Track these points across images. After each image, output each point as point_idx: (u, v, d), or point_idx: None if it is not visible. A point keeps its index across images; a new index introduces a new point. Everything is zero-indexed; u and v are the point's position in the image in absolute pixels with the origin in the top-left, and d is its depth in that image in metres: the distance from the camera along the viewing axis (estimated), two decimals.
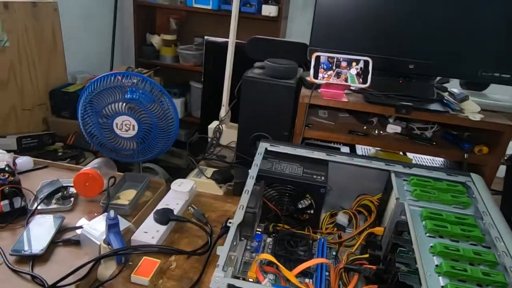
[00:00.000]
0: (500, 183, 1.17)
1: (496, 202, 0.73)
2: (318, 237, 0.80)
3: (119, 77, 0.98)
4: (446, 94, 1.12)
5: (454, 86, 1.19)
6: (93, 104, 0.98)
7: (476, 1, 0.98)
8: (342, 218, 0.84)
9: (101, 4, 2.60)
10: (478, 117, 1.00)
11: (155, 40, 2.84)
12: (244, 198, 0.68)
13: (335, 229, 0.84)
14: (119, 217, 0.81)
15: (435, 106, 1.04)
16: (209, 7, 2.53)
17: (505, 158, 1.05)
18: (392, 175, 0.78)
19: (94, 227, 0.80)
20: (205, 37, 2.34)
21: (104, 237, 0.74)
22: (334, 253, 0.78)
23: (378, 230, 0.75)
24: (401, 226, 0.66)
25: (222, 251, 0.57)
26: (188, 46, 2.81)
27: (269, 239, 0.79)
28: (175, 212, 0.90)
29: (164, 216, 0.86)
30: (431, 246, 0.59)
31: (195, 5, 2.56)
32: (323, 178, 0.78)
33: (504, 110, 1.07)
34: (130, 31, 2.82)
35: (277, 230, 0.80)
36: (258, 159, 0.81)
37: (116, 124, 1.00)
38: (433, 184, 0.75)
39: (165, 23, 2.94)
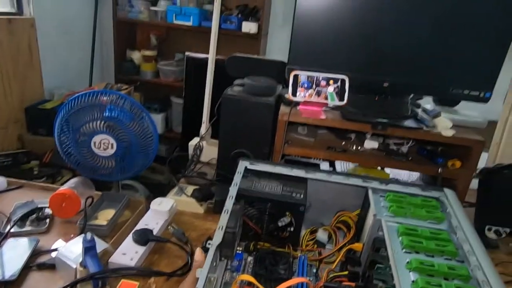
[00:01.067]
0: (474, 195, 1.21)
1: (469, 215, 0.75)
2: (299, 254, 0.80)
3: (97, 95, 0.97)
4: (419, 110, 1.16)
5: (427, 102, 1.23)
6: (70, 123, 0.97)
7: (447, 22, 1.03)
8: (322, 235, 0.85)
9: (80, 19, 2.58)
10: (450, 133, 1.04)
11: (136, 56, 2.83)
12: (224, 218, 0.68)
13: (315, 246, 0.84)
14: (96, 238, 0.79)
15: (409, 123, 1.08)
16: (190, 24, 2.55)
17: (477, 172, 1.09)
18: (369, 192, 0.79)
19: (70, 250, 0.77)
20: (186, 53, 2.35)
21: (80, 259, 0.72)
22: (314, 271, 0.79)
23: (357, 246, 0.76)
24: (378, 242, 0.67)
25: (201, 273, 0.57)
26: (169, 62, 2.82)
27: (250, 258, 0.78)
28: (155, 232, 0.88)
29: (143, 237, 0.85)
30: (408, 262, 0.60)
31: (175, 22, 2.58)
32: (301, 196, 0.79)
33: (474, 125, 1.12)
34: (110, 46, 2.81)
35: (257, 248, 0.80)
36: (237, 178, 0.81)
37: (94, 142, 0.98)
38: (408, 200, 0.76)
39: (145, 39, 2.94)
